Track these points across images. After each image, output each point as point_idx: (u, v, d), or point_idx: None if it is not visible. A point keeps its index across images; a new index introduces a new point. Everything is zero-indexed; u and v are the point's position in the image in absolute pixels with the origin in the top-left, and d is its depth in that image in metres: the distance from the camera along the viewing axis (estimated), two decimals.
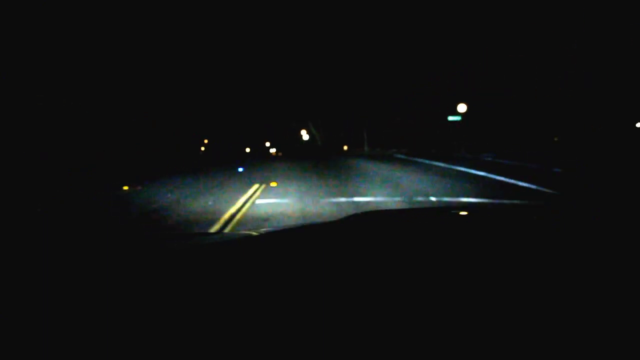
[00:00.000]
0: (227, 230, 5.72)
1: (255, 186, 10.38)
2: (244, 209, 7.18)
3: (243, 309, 0.64)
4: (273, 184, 10.90)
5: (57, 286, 0.75)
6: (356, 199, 8.22)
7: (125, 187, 10.59)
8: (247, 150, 68.13)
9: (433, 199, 8.15)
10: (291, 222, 6.08)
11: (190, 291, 0.72)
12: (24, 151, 18.84)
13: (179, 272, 0.83)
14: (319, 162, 21.89)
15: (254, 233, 1.24)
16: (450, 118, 32.56)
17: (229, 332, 0.58)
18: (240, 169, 15.46)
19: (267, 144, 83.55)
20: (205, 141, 72.48)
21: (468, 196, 8.34)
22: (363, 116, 44.22)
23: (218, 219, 6.36)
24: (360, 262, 0.85)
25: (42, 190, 10.62)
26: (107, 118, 27.68)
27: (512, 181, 10.76)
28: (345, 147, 56.56)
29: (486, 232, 1.07)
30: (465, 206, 6.69)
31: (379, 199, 8.34)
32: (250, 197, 8.66)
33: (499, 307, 0.63)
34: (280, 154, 40.18)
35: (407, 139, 40.56)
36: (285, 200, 8.16)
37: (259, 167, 18.89)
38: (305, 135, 64.69)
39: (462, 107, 32.34)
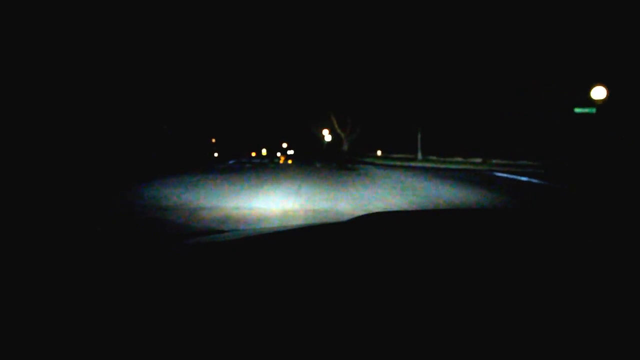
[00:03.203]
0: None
1: None
2: None
3: (252, 309, 0.64)
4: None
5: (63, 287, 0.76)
6: None
7: None
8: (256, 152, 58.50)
9: None
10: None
11: (198, 293, 0.71)
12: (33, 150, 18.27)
13: (187, 273, 0.82)
14: (348, 195, 8.60)
15: (261, 232, 1.22)
16: (579, 110, 18.76)
17: (236, 332, 0.58)
18: None
19: (285, 145, 73.07)
20: (213, 140, 65.38)
21: None
22: (414, 111, 29.80)
23: None
24: (369, 262, 0.85)
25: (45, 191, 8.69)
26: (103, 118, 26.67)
27: None
28: (379, 152, 43.72)
29: (493, 234, 1.06)
30: (476, 209, 6.05)
31: None
32: None
33: (505, 307, 0.63)
34: (290, 161, 26.99)
35: (483, 142, 26.73)
36: None
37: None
38: (327, 136, 51.76)
39: (598, 93, 18.56)
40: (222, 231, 1.34)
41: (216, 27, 43.37)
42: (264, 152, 64.72)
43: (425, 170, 18.16)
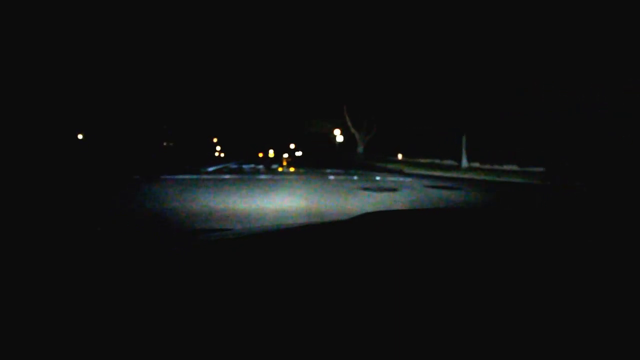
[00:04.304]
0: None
1: None
2: None
3: (254, 308, 0.64)
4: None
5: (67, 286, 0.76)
6: None
7: None
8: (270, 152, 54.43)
9: None
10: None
11: (200, 292, 0.71)
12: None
13: (192, 272, 0.82)
14: None
15: (263, 231, 1.21)
16: None
17: (239, 331, 0.59)
18: None
19: (292, 146, 67.82)
20: (214, 140, 62.08)
21: None
22: (448, 108, 23.26)
23: None
24: (372, 260, 0.85)
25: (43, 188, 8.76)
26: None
27: None
28: (400, 156, 37.51)
29: (495, 232, 1.05)
30: (477, 208, 5.90)
31: None
32: None
33: (505, 305, 0.63)
34: (292, 169, 20.81)
35: (542, 146, 20.24)
36: None
37: None
38: (339, 137, 45.55)
39: None
40: (225, 230, 1.32)
41: (219, 24, 39.15)
42: (271, 153, 59.16)
43: (494, 186, 11.83)
